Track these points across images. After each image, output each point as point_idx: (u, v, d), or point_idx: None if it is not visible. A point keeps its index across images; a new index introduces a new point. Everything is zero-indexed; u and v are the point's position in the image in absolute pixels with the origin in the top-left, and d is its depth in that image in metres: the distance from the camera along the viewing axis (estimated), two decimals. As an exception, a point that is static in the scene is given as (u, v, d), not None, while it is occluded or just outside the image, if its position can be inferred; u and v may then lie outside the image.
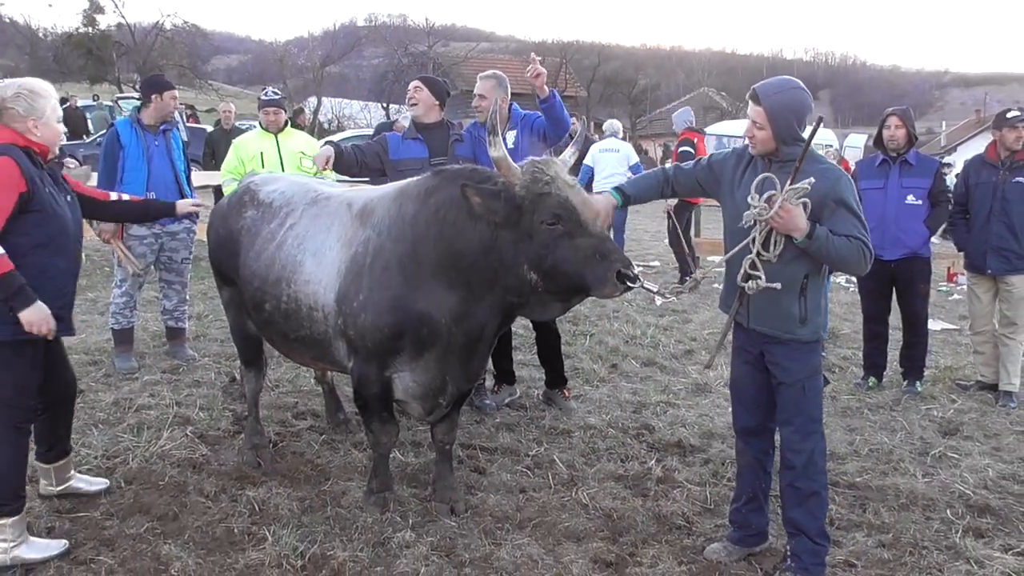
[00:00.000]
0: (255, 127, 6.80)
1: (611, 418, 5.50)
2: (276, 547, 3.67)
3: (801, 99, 3.40)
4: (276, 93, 6.75)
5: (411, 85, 5.51)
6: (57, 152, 3.75)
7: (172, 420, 5.09)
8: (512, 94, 5.56)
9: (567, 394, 5.77)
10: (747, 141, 3.50)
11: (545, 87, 4.91)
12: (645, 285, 3.42)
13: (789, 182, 3.24)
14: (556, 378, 5.76)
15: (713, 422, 5.47)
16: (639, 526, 4.03)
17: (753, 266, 3.37)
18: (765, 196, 3.29)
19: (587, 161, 11.78)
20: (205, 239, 4.93)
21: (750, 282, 3.38)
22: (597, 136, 14.07)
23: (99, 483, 4.18)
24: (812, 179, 3.24)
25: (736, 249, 3.45)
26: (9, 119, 3.53)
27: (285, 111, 7.03)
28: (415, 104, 5.41)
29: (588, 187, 11.40)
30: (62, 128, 3.74)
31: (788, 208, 3.23)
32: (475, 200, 3.50)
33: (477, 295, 3.66)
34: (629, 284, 3.35)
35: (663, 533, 3.97)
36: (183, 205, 4.69)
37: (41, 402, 3.77)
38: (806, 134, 3.35)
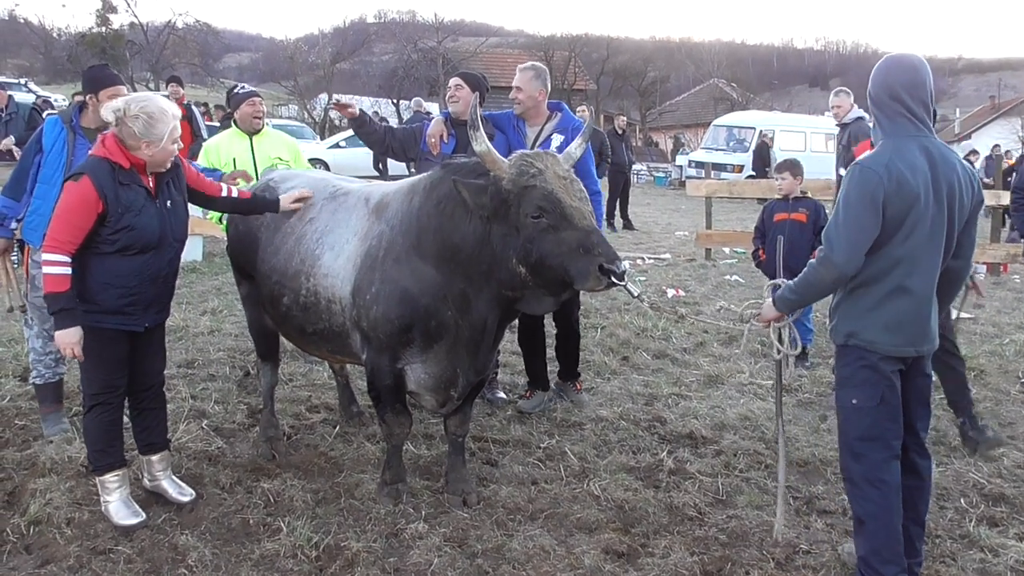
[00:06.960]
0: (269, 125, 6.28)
1: (622, 410, 5.51)
2: (291, 538, 3.70)
3: (896, 64, 3.18)
4: (247, 86, 6.20)
5: (451, 83, 5.45)
6: (168, 167, 3.72)
7: (188, 413, 5.13)
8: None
9: (579, 387, 5.78)
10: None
11: None
12: (628, 287, 3.44)
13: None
14: (569, 371, 5.78)
15: (725, 414, 5.47)
16: (651, 517, 4.04)
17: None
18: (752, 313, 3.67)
19: None
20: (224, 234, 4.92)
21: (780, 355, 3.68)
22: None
23: (187, 493, 4.07)
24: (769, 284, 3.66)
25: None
26: (122, 132, 3.58)
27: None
28: (456, 101, 5.32)
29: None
30: (175, 147, 3.68)
31: (759, 317, 3.58)
32: (465, 195, 3.52)
33: (476, 288, 3.69)
34: (614, 280, 3.35)
35: (675, 524, 3.98)
36: (288, 199, 4.23)
37: (127, 386, 3.91)
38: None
